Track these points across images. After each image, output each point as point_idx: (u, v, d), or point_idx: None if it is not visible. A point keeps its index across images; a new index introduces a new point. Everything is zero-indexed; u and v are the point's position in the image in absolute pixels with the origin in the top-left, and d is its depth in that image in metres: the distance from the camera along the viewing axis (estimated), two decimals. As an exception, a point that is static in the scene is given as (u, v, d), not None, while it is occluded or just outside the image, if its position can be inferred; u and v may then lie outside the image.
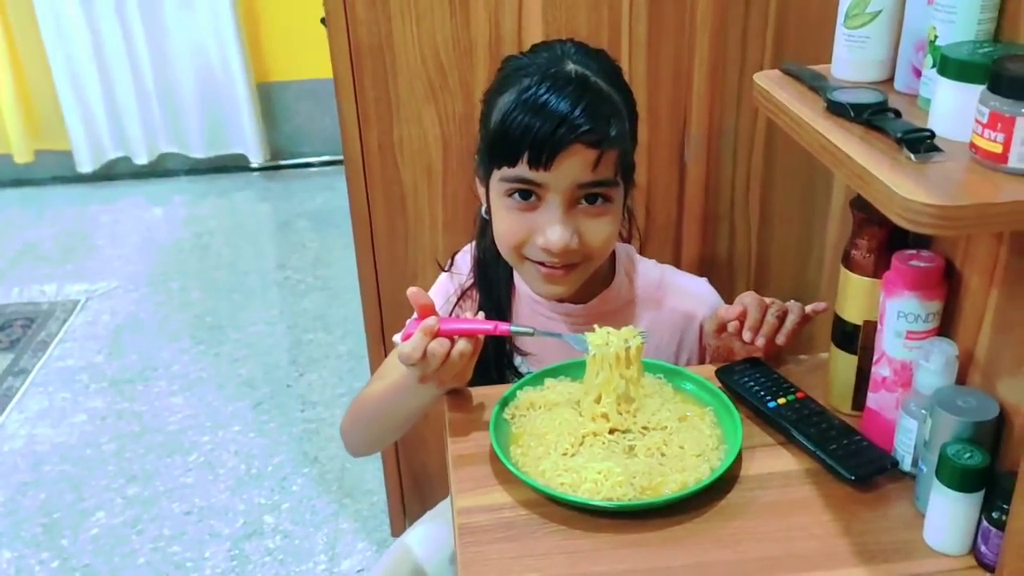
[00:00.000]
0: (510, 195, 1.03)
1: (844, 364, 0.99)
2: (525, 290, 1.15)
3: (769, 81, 0.94)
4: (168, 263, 3.01)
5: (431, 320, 0.94)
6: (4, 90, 3.44)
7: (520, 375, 1.14)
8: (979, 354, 0.87)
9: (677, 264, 1.45)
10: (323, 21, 1.35)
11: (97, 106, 3.48)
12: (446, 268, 1.23)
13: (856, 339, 0.97)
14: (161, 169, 3.64)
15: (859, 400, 0.98)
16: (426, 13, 1.34)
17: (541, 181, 1.00)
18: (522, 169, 1.00)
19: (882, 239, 0.92)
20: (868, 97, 0.81)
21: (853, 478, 0.89)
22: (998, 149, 0.68)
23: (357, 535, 1.87)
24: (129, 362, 2.47)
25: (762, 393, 1.01)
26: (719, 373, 1.05)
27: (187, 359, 2.47)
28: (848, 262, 0.96)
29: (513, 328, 0.98)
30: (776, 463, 0.94)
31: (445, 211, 1.48)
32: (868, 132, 0.78)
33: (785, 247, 1.56)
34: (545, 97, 0.98)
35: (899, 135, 0.73)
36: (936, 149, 0.72)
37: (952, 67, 0.72)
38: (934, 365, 0.84)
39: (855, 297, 0.96)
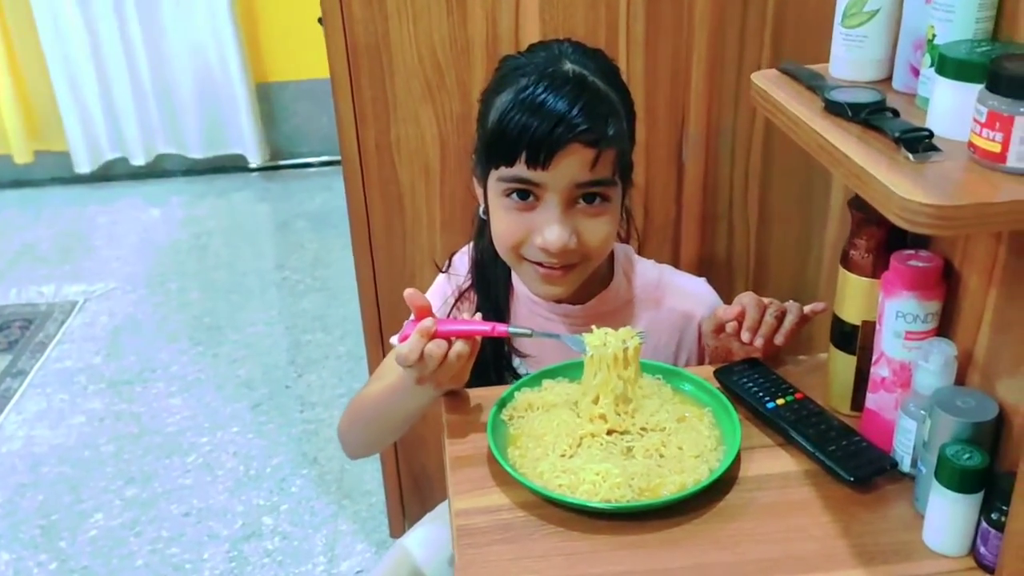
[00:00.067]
0: (508, 195, 1.03)
1: (843, 364, 0.99)
2: (523, 291, 1.14)
3: (767, 80, 0.93)
4: (166, 264, 3.00)
5: (428, 321, 0.94)
6: (3, 91, 3.43)
7: (518, 376, 1.13)
8: (978, 354, 0.86)
9: (676, 264, 1.44)
10: (320, 21, 1.35)
11: (95, 107, 3.47)
12: (443, 269, 1.23)
13: (855, 339, 0.97)
14: (159, 170, 3.64)
15: (858, 401, 0.98)
16: (423, 12, 1.34)
17: (539, 181, 1.00)
18: (520, 169, 0.99)
19: (881, 239, 0.92)
20: (866, 96, 0.80)
21: (852, 479, 0.88)
22: (996, 148, 0.67)
23: (356, 536, 1.86)
24: (127, 363, 2.47)
25: (761, 394, 1.00)
26: (717, 374, 1.04)
27: (185, 360, 2.47)
28: (847, 262, 0.95)
29: (511, 329, 0.97)
30: (775, 464, 0.93)
31: (443, 211, 1.48)
32: (866, 131, 0.78)
33: (784, 247, 1.56)
34: (543, 97, 0.97)
35: (897, 134, 0.73)
36: (934, 148, 0.72)
37: (950, 66, 0.72)
38: (933, 365, 0.84)
39: (854, 297, 0.96)
